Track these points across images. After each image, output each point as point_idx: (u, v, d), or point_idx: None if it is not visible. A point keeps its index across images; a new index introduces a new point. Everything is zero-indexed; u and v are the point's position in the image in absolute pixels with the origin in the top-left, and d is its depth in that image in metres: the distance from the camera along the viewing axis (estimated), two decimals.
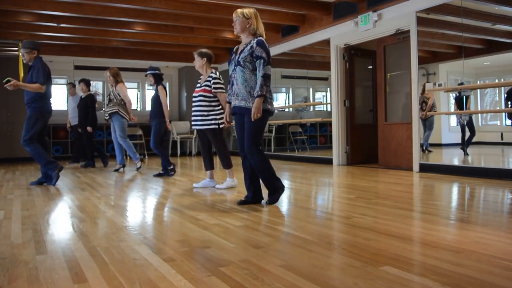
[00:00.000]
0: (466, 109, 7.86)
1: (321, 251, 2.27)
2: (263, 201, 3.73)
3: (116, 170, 6.94)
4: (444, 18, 6.66)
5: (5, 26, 7.85)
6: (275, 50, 9.11)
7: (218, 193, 4.48)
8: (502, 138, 8.15)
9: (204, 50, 4.94)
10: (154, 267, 2.04)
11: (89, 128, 7.61)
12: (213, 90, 4.72)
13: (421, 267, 2.01)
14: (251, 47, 3.49)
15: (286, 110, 11.93)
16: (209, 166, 4.95)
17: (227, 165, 4.79)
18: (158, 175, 6.14)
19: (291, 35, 8.37)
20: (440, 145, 8.52)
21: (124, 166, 7.07)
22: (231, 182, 4.77)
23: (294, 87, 11.73)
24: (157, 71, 6.21)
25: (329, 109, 9.17)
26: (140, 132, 10.49)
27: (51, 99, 5.27)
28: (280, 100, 12.40)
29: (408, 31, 6.15)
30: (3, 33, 8.19)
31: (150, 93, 12.00)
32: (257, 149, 3.56)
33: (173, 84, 12.00)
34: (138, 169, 6.96)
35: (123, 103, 6.87)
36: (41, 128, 5.17)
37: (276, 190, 3.66)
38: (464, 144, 7.80)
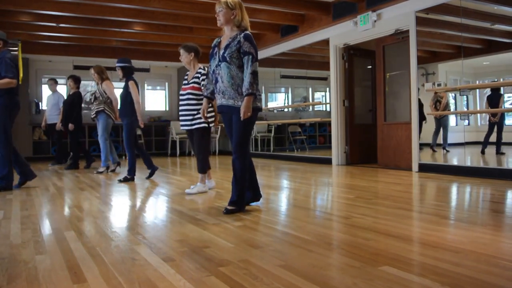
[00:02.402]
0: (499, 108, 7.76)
1: (321, 251, 2.27)
2: (259, 202, 3.68)
3: (113, 171, 6.84)
4: (444, 18, 6.66)
5: (5, 26, 7.83)
6: (274, 50, 9.12)
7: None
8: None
9: (190, 43, 4.59)
10: (153, 267, 2.04)
11: (70, 126, 7.29)
12: (202, 88, 4.38)
13: (420, 267, 2.01)
14: (238, 42, 3.27)
15: (286, 110, 11.93)
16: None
17: (202, 169, 4.46)
18: (149, 176, 5.84)
19: (291, 35, 8.37)
20: (439, 145, 8.51)
21: (119, 164, 6.95)
22: (202, 188, 4.45)
23: (293, 87, 11.74)
24: (126, 64, 5.71)
25: (328, 109, 9.16)
26: (139, 132, 10.47)
27: (17, 94, 4.83)
28: (280, 100, 12.41)
29: (408, 31, 6.15)
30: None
31: (149, 93, 12.03)
32: (245, 151, 3.36)
33: (172, 84, 12.00)
34: (98, 172, 6.69)
35: (109, 101, 6.62)
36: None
37: (243, 200, 3.39)
38: (485, 144, 7.72)
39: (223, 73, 3.31)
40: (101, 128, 6.59)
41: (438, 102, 7.93)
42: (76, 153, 7.61)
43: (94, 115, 6.66)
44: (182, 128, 4.59)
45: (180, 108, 4.54)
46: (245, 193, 3.42)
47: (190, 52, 4.48)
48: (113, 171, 6.86)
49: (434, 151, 8.17)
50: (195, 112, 4.41)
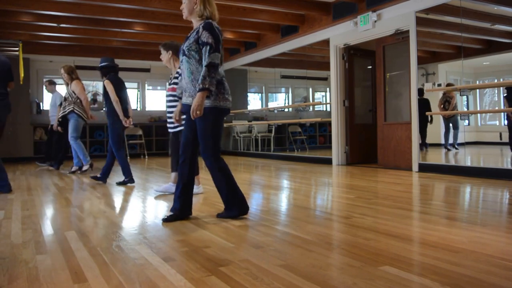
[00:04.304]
0: None
1: (321, 251, 2.28)
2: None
3: (73, 172, 6.68)
4: (444, 18, 6.66)
5: (5, 26, 7.85)
6: (274, 50, 9.12)
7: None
8: (501, 138, 8.16)
9: (169, 41, 4.37)
10: (154, 267, 2.05)
11: (59, 128, 7.25)
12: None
13: (420, 267, 2.02)
14: (197, 32, 2.93)
15: (286, 110, 11.94)
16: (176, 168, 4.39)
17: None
18: (122, 183, 5.29)
19: (291, 35, 8.38)
20: (439, 145, 8.53)
21: (80, 168, 6.74)
22: (195, 189, 4.18)
23: (293, 87, 11.75)
24: (101, 64, 5.30)
25: (328, 109, 9.17)
26: (140, 132, 10.50)
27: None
28: (280, 100, 12.42)
29: (408, 31, 6.16)
30: (4, 33, 8.19)
31: (149, 93, 12.03)
32: (213, 155, 3.03)
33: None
34: (82, 171, 6.60)
35: (79, 101, 6.46)
36: None
37: (233, 204, 3.12)
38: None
39: (184, 68, 3.02)
40: (71, 129, 6.46)
41: (447, 102, 7.94)
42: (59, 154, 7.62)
43: (66, 113, 6.51)
44: (169, 130, 4.42)
45: (166, 110, 4.38)
46: (232, 194, 3.12)
47: (167, 50, 4.27)
48: (73, 172, 6.63)
49: (448, 149, 8.18)
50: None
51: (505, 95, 7.55)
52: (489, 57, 8.24)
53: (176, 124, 4.27)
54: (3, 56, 4.89)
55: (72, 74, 6.55)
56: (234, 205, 3.13)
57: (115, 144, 5.23)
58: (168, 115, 4.38)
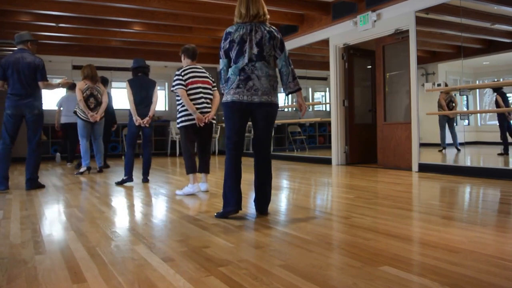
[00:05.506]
0: None
1: (320, 251, 2.27)
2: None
3: (80, 173, 6.59)
4: (443, 18, 6.66)
5: (4, 26, 7.84)
6: None
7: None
8: (501, 138, 8.15)
9: (186, 45, 4.58)
10: (153, 267, 2.04)
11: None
12: (171, 89, 4.43)
13: (420, 267, 2.01)
14: None
15: (285, 110, 11.92)
16: (199, 168, 4.56)
17: (186, 170, 4.40)
18: (121, 182, 5.34)
19: (290, 35, 8.37)
20: (438, 145, 8.52)
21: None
22: (187, 189, 4.34)
23: None
24: (132, 65, 5.46)
25: (328, 109, 9.17)
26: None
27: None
28: (280, 100, 12.41)
29: (407, 31, 6.16)
30: (3, 33, 8.17)
31: None
32: (226, 147, 3.28)
33: (171, 84, 11.98)
34: (79, 172, 6.51)
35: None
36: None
37: (225, 203, 3.15)
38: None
39: None
40: (78, 129, 6.60)
41: (452, 102, 7.92)
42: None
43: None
44: (177, 126, 4.65)
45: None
46: (228, 192, 3.15)
47: (181, 53, 4.56)
48: (80, 173, 6.51)
49: (442, 149, 8.18)
50: (177, 113, 4.47)
51: (495, 93, 7.57)
52: (489, 57, 8.23)
53: (183, 119, 4.39)
54: (31, 56, 4.97)
55: (81, 75, 6.55)
56: (224, 202, 3.15)
57: (126, 141, 5.61)
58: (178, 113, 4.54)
